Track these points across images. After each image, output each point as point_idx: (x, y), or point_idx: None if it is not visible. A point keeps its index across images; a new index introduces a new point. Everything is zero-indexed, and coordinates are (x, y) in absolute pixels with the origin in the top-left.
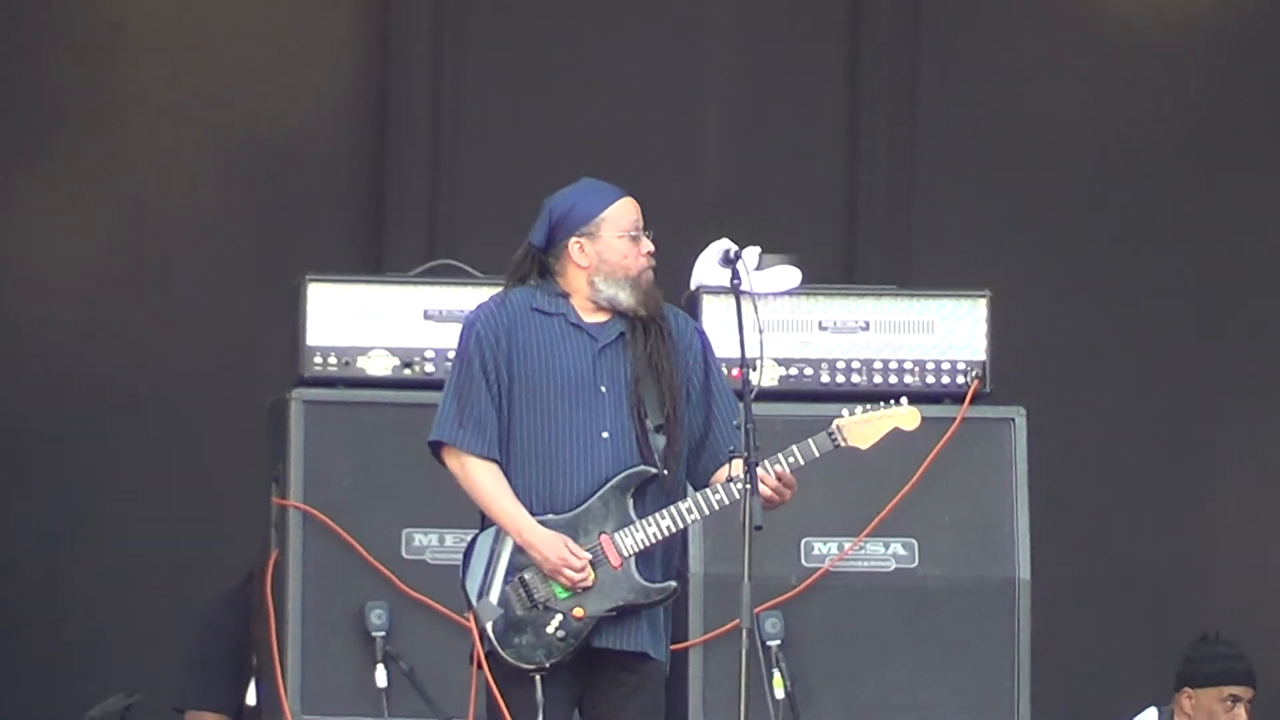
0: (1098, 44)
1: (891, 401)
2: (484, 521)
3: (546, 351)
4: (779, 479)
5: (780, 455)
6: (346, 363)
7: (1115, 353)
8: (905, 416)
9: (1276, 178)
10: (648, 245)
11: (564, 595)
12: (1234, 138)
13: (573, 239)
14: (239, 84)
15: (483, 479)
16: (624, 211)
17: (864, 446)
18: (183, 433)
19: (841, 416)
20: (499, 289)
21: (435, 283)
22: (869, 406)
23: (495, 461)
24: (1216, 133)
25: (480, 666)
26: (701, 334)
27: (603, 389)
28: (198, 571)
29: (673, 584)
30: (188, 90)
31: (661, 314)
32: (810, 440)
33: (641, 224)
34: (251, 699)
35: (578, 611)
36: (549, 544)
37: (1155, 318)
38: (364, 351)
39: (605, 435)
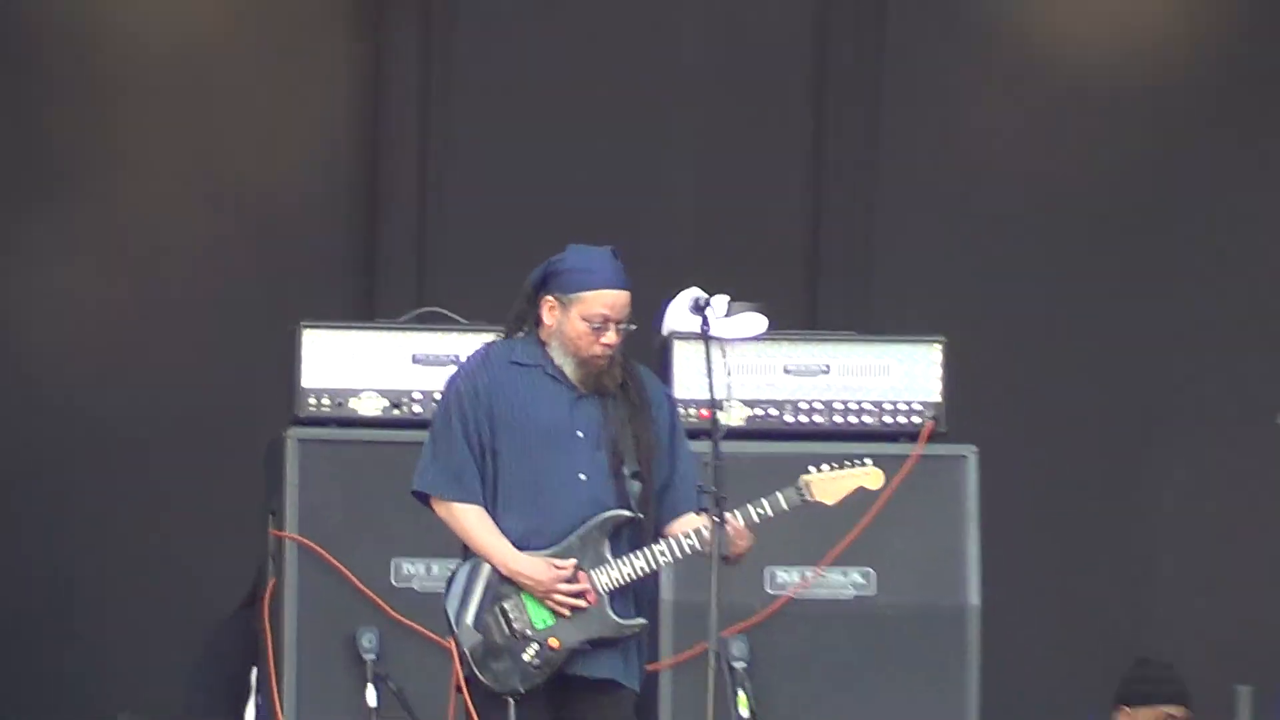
0: (1046, 101)
1: (858, 461)
2: (466, 553)
3: (526, 401)
4: (737, 530)
5: (750, 506)
6: (339, 404)
7: (1060, 391)
8: (870, 477)
9: (1210, 225)
10: (609, 337)
11: (541, 626)
12: (1171, 187)
13: (549, 297)
14: (239, 144)
15: (468, 520)
16: (599, 301)
17: (830, 503)
18: (186, 468)
19: (809, 473)
20: (482, 334)
21: (422, 329)
22: (836, 464)
23: (477, 504)
24: (1155, 183)
25: (460, 690)
26: (670, 398)
27: (579, 434)
28: (200, 597)
29: (643, 620)
30: (190, 150)
31: (616, 386)
32: (779, 494)
33: (618, 317)
34: (250, 716)
35: (553, 642)
36: (537, 568)
37: (1097, 358)
38: (355, 393)
39: (583, 477)
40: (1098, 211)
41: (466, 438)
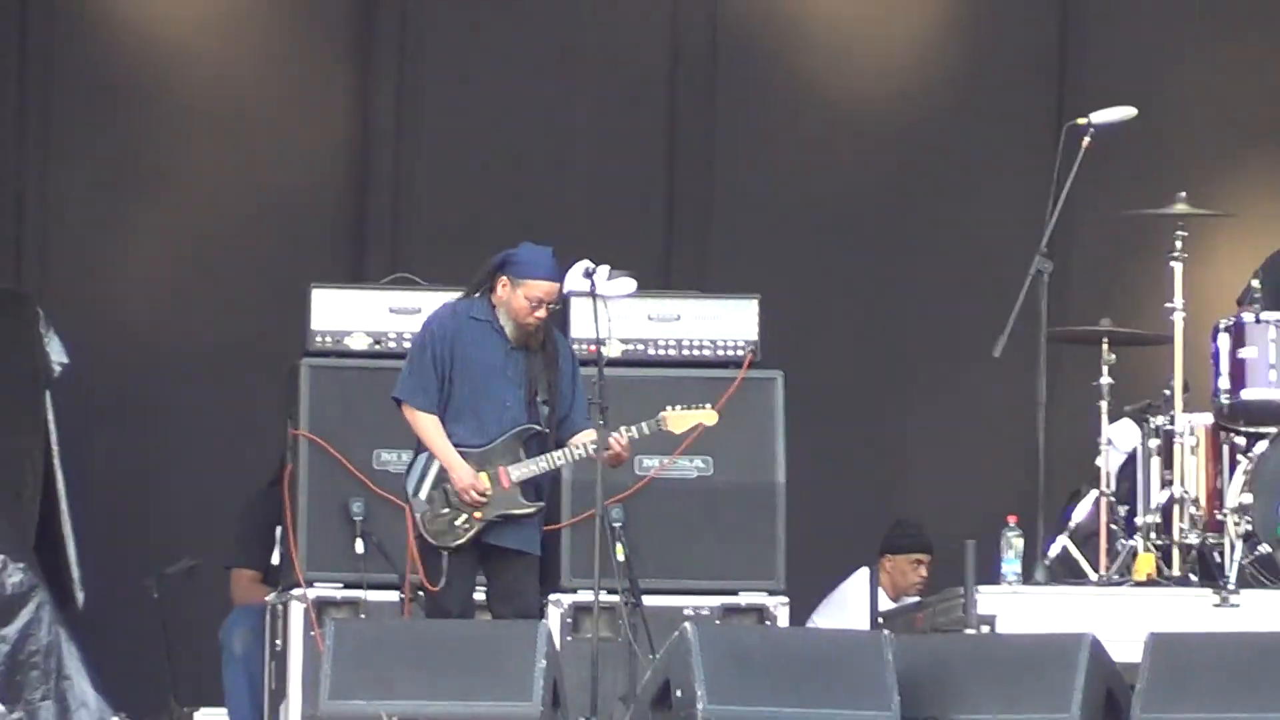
0: (835, 120)
1: (701, 406)
2: (420, 447)
3: (476, 346)
4: (624, 446)
5: (623, 429)
6: (338, 341)
7: (846, 332)
8: (707, 415)
9: (948, 209)
10: (541, 313)
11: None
12: (922, 183)
13: (504, 277)
14: (262, 150)
15: (425, 424)
16: (539, 289)
17: (678, 432)
18: (231, 385)
19: (666, 410)
20: (440, 293)
21: (397, 289)
22: (686, 406)
23: (434, 413)
24: (910, 180)
25: (410, 542)
26: (573, 353)
27: (508, 374)
28: (241, 475)
29: (541, 504)
30: (228, 156)
31: (539, 345)
32: (644, 423)
33: (550, 300)
34: (275, 560)
35: (477, 514)
36: (461, 473)
37: (871, 309)
38: (349, 334)
39: (508, 404)
40: (873, 203)
41: (434, 364)
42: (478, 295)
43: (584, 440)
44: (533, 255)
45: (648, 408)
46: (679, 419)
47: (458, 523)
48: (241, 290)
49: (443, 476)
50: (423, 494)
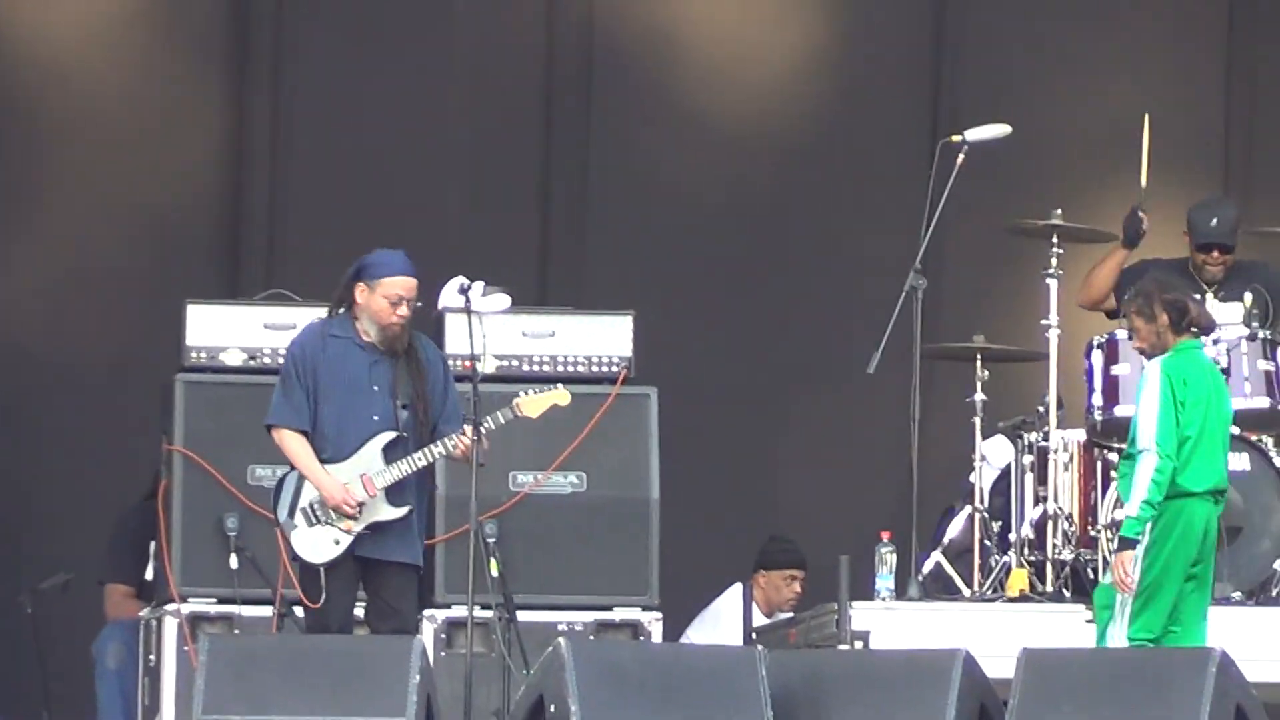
0: (710, 143)
1: (553, 386)
2: (288, 469)
3: (338, 364)
4: (470, 443)
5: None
6: (213, 357)
7: (721, 350)
8: (560, 395)
9: (823, 229)
10: (403, 310)
11: (339, 516)
12: (797, 203)
13: (360, 283)
14: (139, 169)
15: (293, 445)
16: (396, 285)
17: (534, 415)
18: (105, 401)
19: (519, 396)
20: (314, 309)
21: (271, 304)
22: (539, 389)
23: (304, 433)
24: (785, 200)
25: (286, 563)
26: (442, 357)
27: (375, 388)
28: (115, 490)
29: (409, 507)
30: (99, 173)
31: (405, 348)
32: (498, 412)
33: (409, 297)
34: (149, 575)
35: (346, 526)
36: (331, 487)
37: (747, 327)
38: (224, 349)
39: (375, 418)
40: (749, 221)
41: (300, 385)
42: (340, 311)
43: (445, 438)
44: (385, 256)
45: (522, 424)
46: (532, 403)
47: (330, 539)
48: (117, 306)
49: (311, 495)
50: (294, 515)
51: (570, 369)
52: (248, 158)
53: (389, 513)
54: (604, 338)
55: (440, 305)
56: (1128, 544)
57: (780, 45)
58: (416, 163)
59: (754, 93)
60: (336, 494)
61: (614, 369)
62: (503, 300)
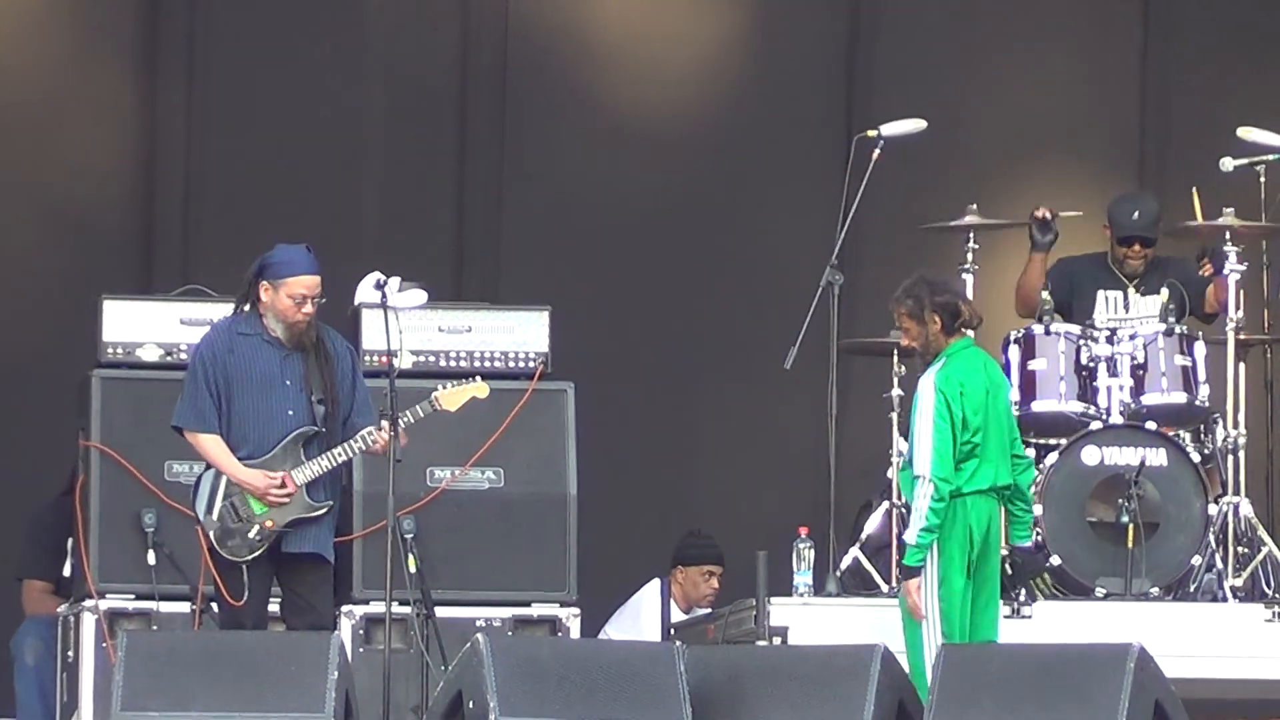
0: (627, 139)
1: (471, 380)
2: (206, 467)
3: (248, 361)
4: (387, 438)
5: (398, 416)
6: (129, 352)
7: (638, 344)
8: (478, 388)
9: (738, 224)
10: (308, 309)
11: (259, 512)
12: (714, 199)
13: (264, 282)
14: (50, 164)
15: (208, 445)
16: (299, 285)
17: (453, 409)
18: (22, 398)
19: (438, 390)
20: (231, 304)
21: (187, 300)
22: (457, 382)
23: (215, 433)
24: (702, 196)
25: (207, 560)
26: (350, 349)
27: (287, 382)
28: (32, 486)
29: (330, 502)
30: (11, 168)
31: (312, 344)
32: (417, 406)
33: (313, 294)
34: (67, 571)
35: (268, 523)
36: (255, 478)
37: (663, 322)
38: (140, 345)
39: (290, 412)
40: (664, 216)
41: (208, 387)
42: (246, 308)
43: (363, 433)
44: (287, 254)
45: (439, 419)
46: (451, 396)
47: (250, 535)
48: (31, 301)
49: (230, 491)
50: (214, 512)
51: (487, 364)
52: (162, 153)
53: (309, 509)
54: (520, 333)
55: (356, 301)
56: (912, 572)
57: (694, 39)
58: (331, 158)
59: (668, 87)
60: (260, 483)
61: (531, 364)
62: (419, 296)
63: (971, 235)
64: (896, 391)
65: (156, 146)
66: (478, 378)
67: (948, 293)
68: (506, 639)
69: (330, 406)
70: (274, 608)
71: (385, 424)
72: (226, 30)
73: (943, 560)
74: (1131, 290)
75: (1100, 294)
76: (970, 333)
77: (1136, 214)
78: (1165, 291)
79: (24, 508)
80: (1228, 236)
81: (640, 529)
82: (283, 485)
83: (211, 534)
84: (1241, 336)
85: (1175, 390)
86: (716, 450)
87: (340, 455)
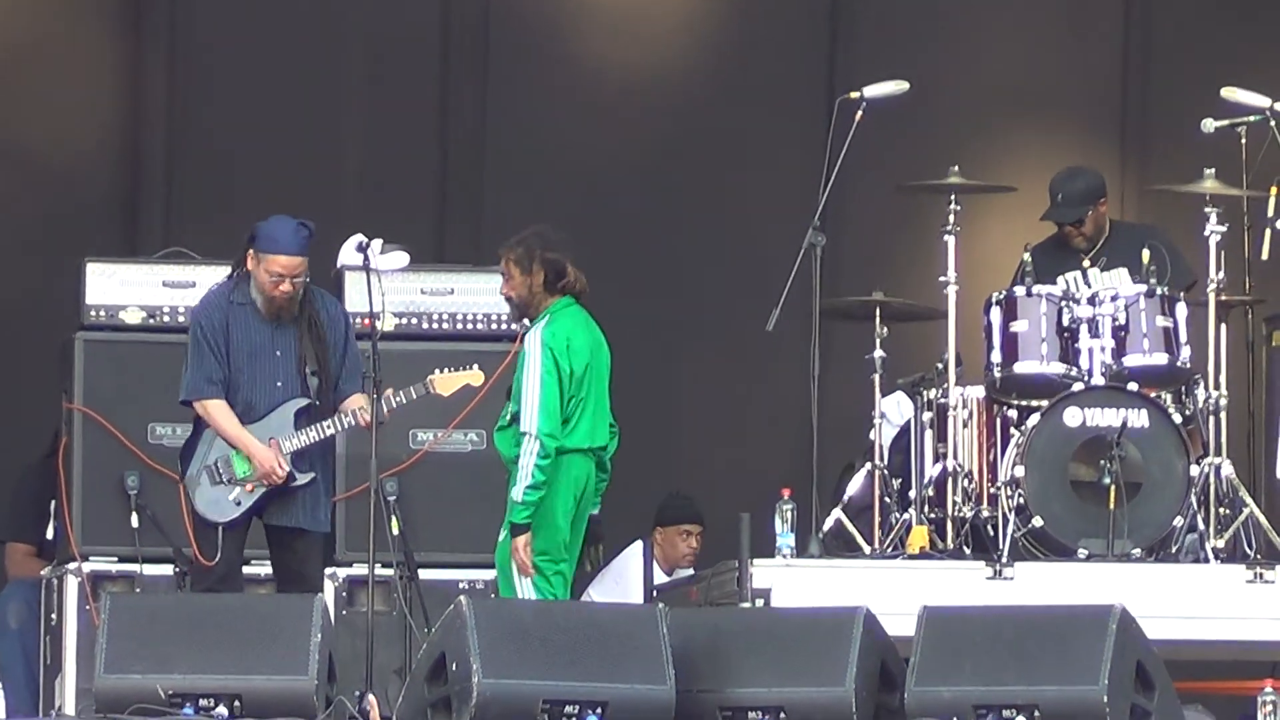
0: (606, 101)
1: (467, 366)
2: (197, 425)
3: (241, 330)
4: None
5: (390, 393)
6: (112, 315)
7: (614, 308)
8: (473, 376)
9: (717, 186)
10: (285, 288)
11: (242, 475)
12: (691, 161)
13: (251, 252)
14: (33, 126)
15: (218, 413)
16: (277, 264)
17: (445, 394)
18: (4, 360)
19: (434, 373)
20: (213, 266)
21: (170, 263)
22: (453, 368)
23: (223, 398)
24: (682, 159)
25: (185, 518)
26: (345, 314)
27: (278, 353)
28: (15, 449)
29: (312, 474)
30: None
31: (292, 318)
32: (412, 387)
33: (291, 274)
34: (50, 534)
35: (248, 486)
36: (266, 456)
37: (647, 281)
38: (123, 308)
39: (279, 384)
40: (646, 177)
41: (214, 355)
42: (240, 275)
43: (352, 407)
44: (274, 229)
45: (420, 379)
46: (446, 381)
47: (231, 497)
48: (14, 264)
49: (217, 452)
50: (196, 469)
51: (469, 326)
52: (145, 115)
53: (293, 478)
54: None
55: (339, 263)
56: (521, 529)
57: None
58: (314, 120)
59: (650, 47)
60: (268, 462)
61: (513, 326)
62: (401, 258)
63: (954, 197)
64: (879, 353)
65: (139, 109)
66: (475, 365)
67: (559, 250)
68: (489, 601)
69: (323, 379)
70: (261, 570)
71: (366, 405)
72: None
73: (543, 509)
74: (1091, 267)
75: (1060, 278)
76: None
77: (1060, 195)
78: (1146, 254)
79: (6, 471)
80: (1208, 198)
81: (623, 491)
82: (285, 473)
83: (194, 494)
84: (1223, 298)
85: (1157, 351)
86: (699, 412)
87: (328, 428)
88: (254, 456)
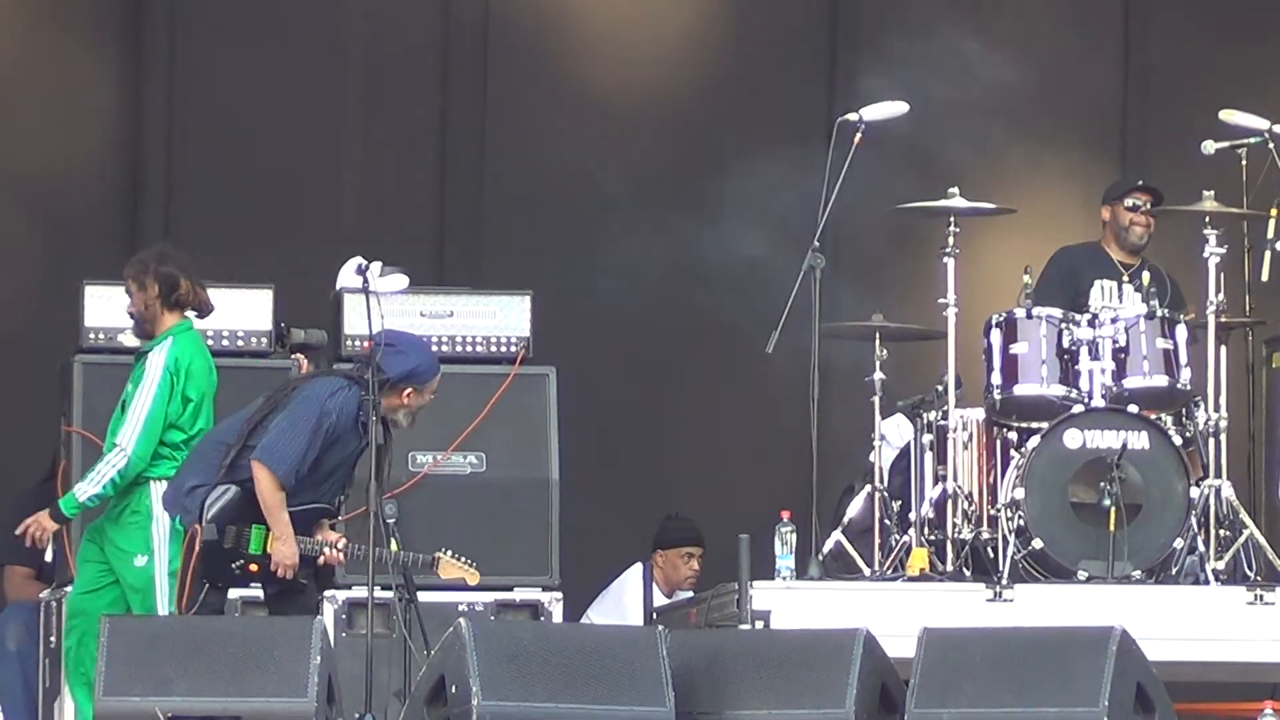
0: (598, 112)
1: (473, 564)
2: (230, 477)
3: (344, 444)
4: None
5: (398, 551)
6: (110, 338)
7: (620, 328)
8: (471, 576)
9: (716, 197)
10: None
11: (253, 552)
12: (689, 182)
13: (410, 388)
14: (33, 149)
15: (279, 498)
16: (437, 380)
17: (444, 577)
18: (3, 383)
19: (441, 554)
20: (211, 290)
21: None
22: (459, 559)
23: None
24: (678, 179)
25: (192, 559)
26: None
27: (343, 472)
28: (14, 472)
29: (306, 584)
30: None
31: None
32: (420, 556)
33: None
34: (49, 557)
35: (252, 567)
36: (290, 555)
37: (646, 304)
38: (122, 331)
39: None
40: (645, 199)
41: (318, 449)
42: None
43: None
44: (424, 357)
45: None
46: (448, 567)
47: (233, 565)
48: (13, 287)
49: (241, 517)
50: (221, 528)
51: (469, 349)
52: (144, 138)
53: (292, 578)
54: (502, 318)
55: (338, 286)
56: (60, 518)
57: (676, 20)
58: (313, 144)
59: (650, 69)
60: (289, 560)
61: (512, 349)
62: (400, 280)
63: (953, 219)
64: (879, 375)
65: (137, 130)
66: (475, 566)
67: (175, 265)
68: (489, 623)
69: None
70: (259, 592)
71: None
72: (208, 15)
73: (174, 544)
74: (1126, 281)
75: (1097, 283)
76: (191, 314)
77: (1139, 180)
78: (1146, 275)
79: (6, 493)
80: (1208, 220)
81: (623, 513)
82: (294, 570)
83: (204, 544)
84: (1223, 319)
85: (1157, 373)
86: (699, 434)
87: (319, 547)
88: (281, 546)
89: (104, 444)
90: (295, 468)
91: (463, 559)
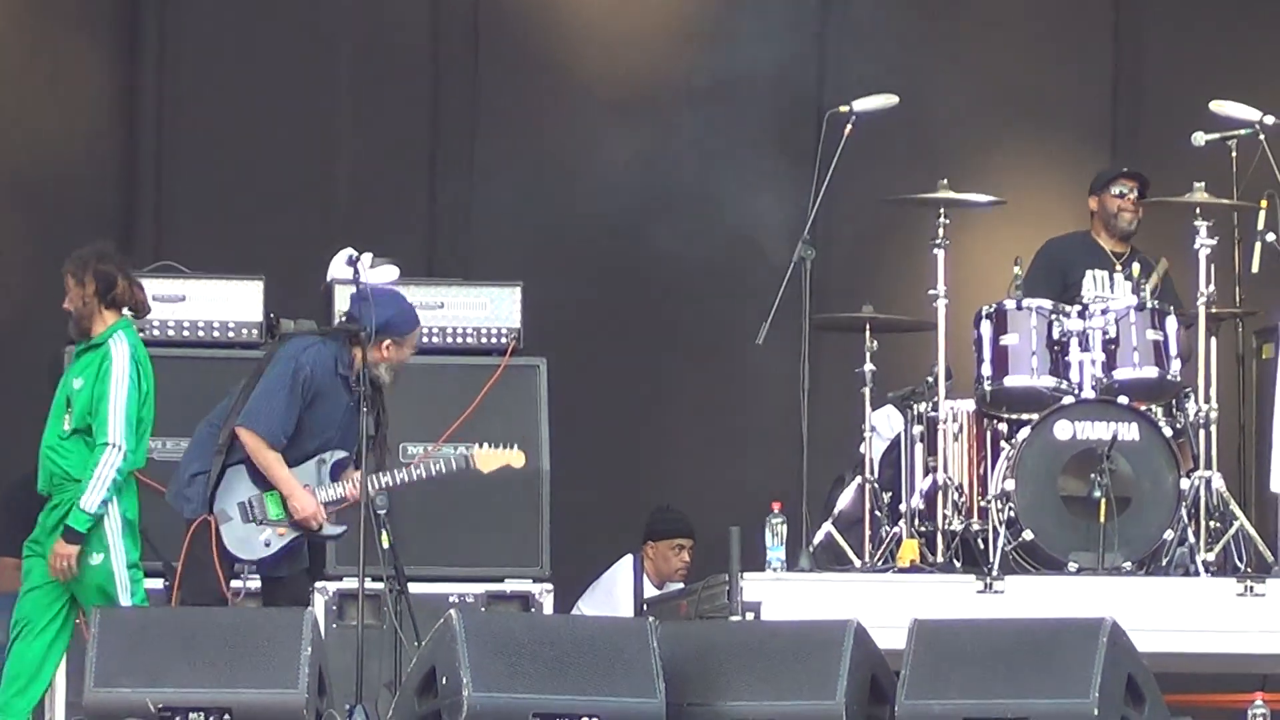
0: (588, 103)
1: (509, 446)
2: (228, 458)
3: (331, 401)
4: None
5: (431, 463)
6: None
7: (607, 320)
8: (515, 457)
9: (708, 197)
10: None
11: (275, 517)
12: (679, 175)
13: (389, 340)
14: (22, 139)
15: (271, 458)
16: (417, 334)
17: (485, 471)
18: None
19: (476, 448)
20: (204, 282)
21: (159, 276)
22: (495, 446)
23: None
24: (671, 171)
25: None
26: None
27: (348, 424)
28: (3, 462)
29: (344, 528)
30: None
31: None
32: (452, 459)
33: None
34: None
35: (280, 530)
36: (309, 503)
37: (637, 295)
38: None
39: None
40: (636, 190)
41: (299, 407)
42: (343, 344)
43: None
44: (402, 310)
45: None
46: (487, 458)
47: (262, 538)
48: (4, 277)
49: (249, 490)
50: (229, 508)
51: (459, 340)
52: (136, 129)
53: (328, 529)
54: (493, 309)
55: (329, 277)
56: (77, 537)
57: (665, 12)
58: (303, 134)
59: (640, 60)
60: (310, 509)
61: (503, 340)
62: (391, 271)
63: (942, 211)
64: (869, 366)
65: (129, 123)
66: (515, 446)
67: (112, 264)
68: (480, 615)
69: (371, 446)
70: (252, 583)
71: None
72: (199, 7)
73: (127, 537)
74: (1118, 271)
75: (1089, 273)
76: (129, 313)
77: (1125, 167)
78: (1136, 267)
79: None
80: (1198, 211)
81: (613, 504)
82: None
83: (224, 529)
84: (1213, 310)
85: (1147, 365)
86: (689, 425)
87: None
88: (293, 500)
89: (44, 436)
90: (279, 425)
91: (499, 445)
